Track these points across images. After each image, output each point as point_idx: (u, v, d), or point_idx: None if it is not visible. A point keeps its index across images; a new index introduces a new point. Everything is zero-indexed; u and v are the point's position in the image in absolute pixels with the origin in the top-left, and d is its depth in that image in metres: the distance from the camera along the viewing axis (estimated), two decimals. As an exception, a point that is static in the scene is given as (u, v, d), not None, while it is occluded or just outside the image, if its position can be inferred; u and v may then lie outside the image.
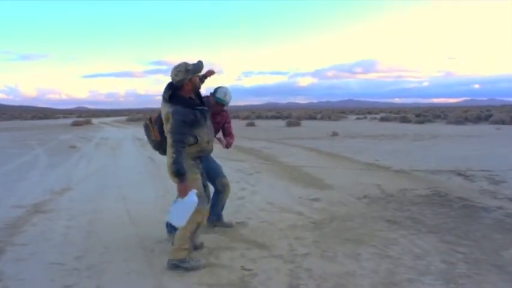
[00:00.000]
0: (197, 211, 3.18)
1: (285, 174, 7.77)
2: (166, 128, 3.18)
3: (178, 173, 3.07)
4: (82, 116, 65.09)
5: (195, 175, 3.31)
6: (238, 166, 8.77)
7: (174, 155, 3.07)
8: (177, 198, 3.21)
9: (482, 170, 7.53)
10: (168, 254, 3.33)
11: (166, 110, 3.18)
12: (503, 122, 23.93)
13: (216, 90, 4.07)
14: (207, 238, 3.91)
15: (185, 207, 3.13)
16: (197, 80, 3.37)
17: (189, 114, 3.16)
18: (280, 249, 3.69)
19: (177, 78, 3.21)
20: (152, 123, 3.50)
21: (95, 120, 42.71)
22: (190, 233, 3.30)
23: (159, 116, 3.40)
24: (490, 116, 27.63)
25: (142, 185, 6.82)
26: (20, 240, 3.99)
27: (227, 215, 4.56)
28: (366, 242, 3.82)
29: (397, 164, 8.53)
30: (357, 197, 5.61)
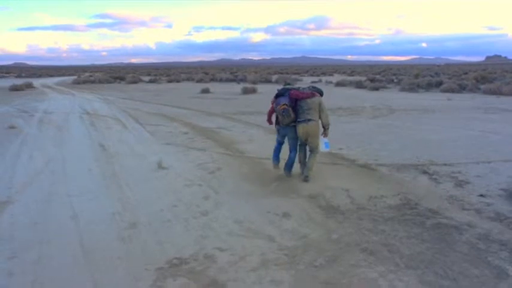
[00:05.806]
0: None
1: (248, 171, 7.43)
2: (322, 106, 6.75)
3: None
4: (21, 76, 60.40)
5: None
6: (197, 159, 8.29)
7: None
8: (323, 139, 6.81)
9: (445, 164, 7.58)
10: (308, 173, 6.63)
11: (318, 100, 6.73)
12: (452, 91, 24.87)
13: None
14: (170, 285, 3.53)
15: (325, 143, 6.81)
16: None
17: None
18: (255, 301, 3.40)
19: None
20: (290, 108, 6.50)
21: (36, 83, 39.49)
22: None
23: (289, 100, 6.51)
24: (440, 83, 28.58)
25: (95, 192, 6.21)
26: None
27: (193, 239, 4.19)
28: (345, 287, 3.60)
29: (361, 155, 8.40)
30: (327, 210, 5.39)
